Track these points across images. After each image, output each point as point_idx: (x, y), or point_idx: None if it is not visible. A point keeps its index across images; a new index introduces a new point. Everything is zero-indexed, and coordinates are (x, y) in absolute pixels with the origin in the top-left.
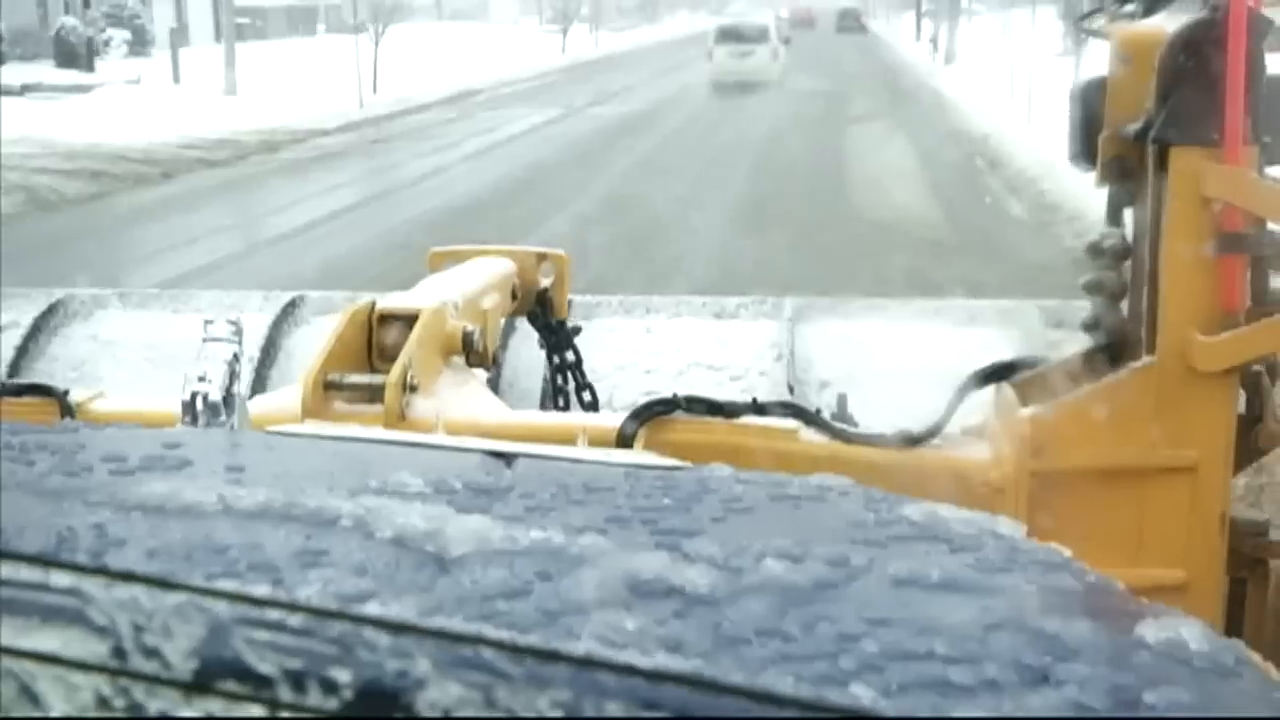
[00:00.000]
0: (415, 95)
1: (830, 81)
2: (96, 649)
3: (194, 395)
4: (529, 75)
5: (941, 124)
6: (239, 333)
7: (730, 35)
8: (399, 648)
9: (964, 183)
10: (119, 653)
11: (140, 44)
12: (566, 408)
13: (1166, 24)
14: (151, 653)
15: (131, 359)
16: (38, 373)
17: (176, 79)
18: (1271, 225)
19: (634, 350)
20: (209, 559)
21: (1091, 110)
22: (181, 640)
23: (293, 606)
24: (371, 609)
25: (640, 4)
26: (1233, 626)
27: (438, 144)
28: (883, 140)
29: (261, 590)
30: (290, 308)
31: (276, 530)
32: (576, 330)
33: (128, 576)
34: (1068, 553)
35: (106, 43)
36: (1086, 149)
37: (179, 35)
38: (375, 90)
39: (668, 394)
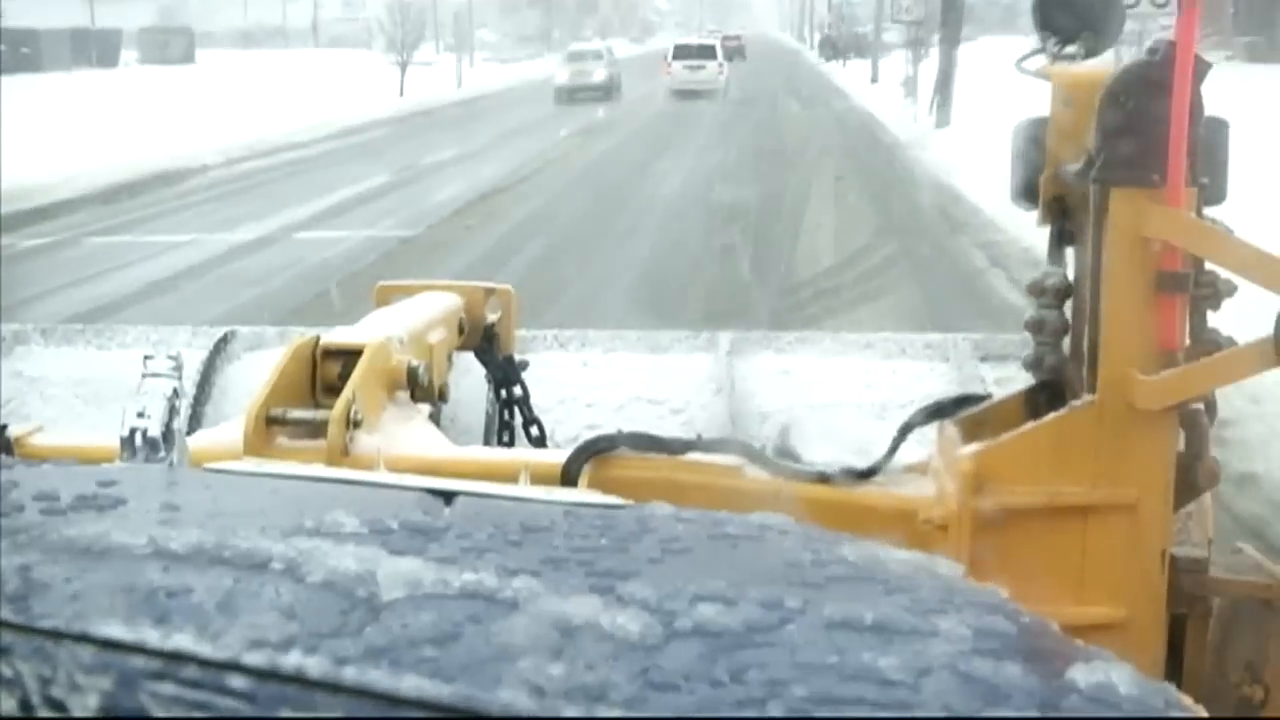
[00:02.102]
0: (51, 182)
1: (758, 160)
2: (4, 702)
3: (133, 431)
4: (318, 136)
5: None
6: (179, 368)
7: (685, 53)
8: (306, 702)
9: None
10: (25, 705)
11: None
12: (512, 443)
13: (1107, 66)
14: (57, 706)
15: (60, 396)
16: None
17: None
18: (1209, 265)
19: (573, 384)
20: (134, 603)
21: (1033, 149)
22: (88, 694)
23: (198, 660)
24: (295, 655)
25: (543, 30)
26: (1173, 662)
27: None
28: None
29: (184, 636)
30: (222, 343)
31: (205, 573)
32: (524, 365)
33: (30, 629)
34: (1004, 593)
35: None
36: (1028, 188)
37: None
38: None
39: (610, 428)
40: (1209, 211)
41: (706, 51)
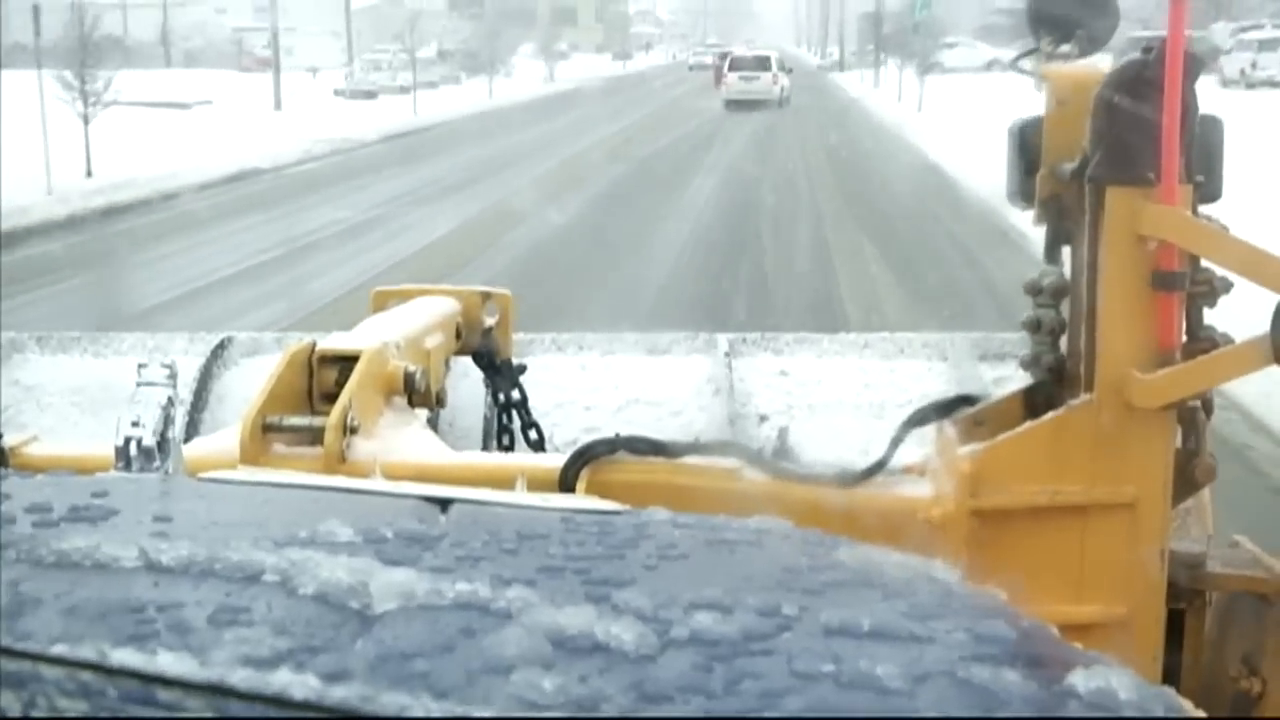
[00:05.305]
0: None
1: None
2: None
3: (127, 440)
4: None
5: None
6: (173, 376)
7: (739, 64)
8: None
9: None
10: None
11: None
12: (511, 447)
13: (1101, 65)
14: None
15: (57, 404)
16: None
17: None
18: (1205, 263)
19: (571, 387)
20: (124, 620)
21: (1029, 149)
22: (70, 717)
23: (182, 684)
24: (284, 673)
25: (470, 47)
26: (1170, 657)
27: None
28: None
29: (171, 654)
30: (219, 349)
31: (197, 587)
32: (521, 369)
33: (11, 653)
34: (1002, 596)
35: None
36: (1024, 188)
37: None
38: None
39: (609, 432)
40: (1204, 209)
41: (762, 63)
